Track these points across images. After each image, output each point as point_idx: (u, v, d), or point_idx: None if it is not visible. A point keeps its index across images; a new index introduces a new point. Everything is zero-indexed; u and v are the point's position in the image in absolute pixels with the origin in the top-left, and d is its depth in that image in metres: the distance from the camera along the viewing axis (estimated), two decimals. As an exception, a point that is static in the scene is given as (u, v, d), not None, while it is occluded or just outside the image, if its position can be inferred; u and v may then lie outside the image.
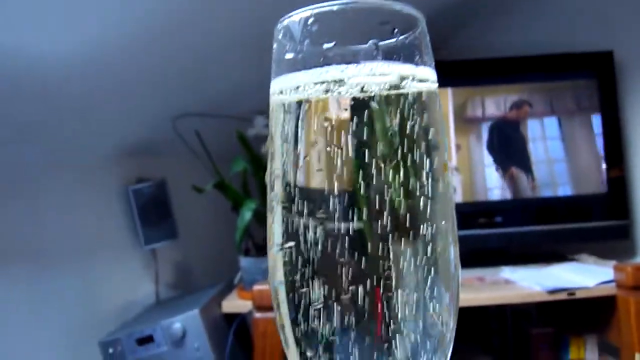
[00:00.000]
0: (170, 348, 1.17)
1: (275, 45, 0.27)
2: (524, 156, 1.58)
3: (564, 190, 1.59)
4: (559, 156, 1.59)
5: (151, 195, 1.43)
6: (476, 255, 1.55)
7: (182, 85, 1.32)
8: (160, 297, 1.51)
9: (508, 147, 1.58)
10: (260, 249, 1.32)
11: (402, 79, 0.24)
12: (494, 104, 1.60)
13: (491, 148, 1.58)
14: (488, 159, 1.57)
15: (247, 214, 1.22)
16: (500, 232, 1.53)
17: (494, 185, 1.57)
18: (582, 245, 1.63)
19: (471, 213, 1.54)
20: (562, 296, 1.26)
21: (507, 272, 1.41)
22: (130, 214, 1.43)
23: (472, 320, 1.51)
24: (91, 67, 1.07)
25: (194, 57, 1.23)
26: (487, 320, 1.56)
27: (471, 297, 1.28)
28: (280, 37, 0.26)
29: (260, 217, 1.29)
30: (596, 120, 1.59)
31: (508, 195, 1.56)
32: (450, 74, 1.56)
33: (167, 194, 1.48)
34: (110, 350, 1.17)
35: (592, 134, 1.59)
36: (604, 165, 1.58)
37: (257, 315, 1.22)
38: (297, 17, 0.25)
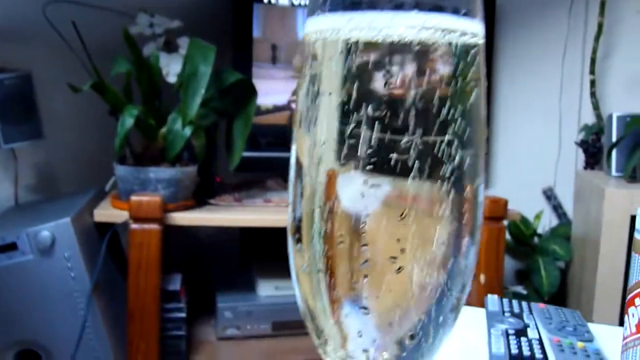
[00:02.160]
0: (37, 257, 1.10)
1: None
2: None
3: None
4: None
5: (13, 88, 1.27)
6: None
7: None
8: (19, 201, 1.39)
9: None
10: (139, 158, 1.26)
11: (450, 31, 0.23)
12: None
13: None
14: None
15: (128, 121, 1.15)
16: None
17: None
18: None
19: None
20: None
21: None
22: (-13, 108, 1.27)
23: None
24: None
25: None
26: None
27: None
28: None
29: (142, 125, 1.22)
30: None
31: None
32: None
33: (32, 89, 1.33)
34: (-35, 257, 1.07)
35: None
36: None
37: (134, 226, 1.18)
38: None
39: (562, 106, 1.79)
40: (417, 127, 0.23)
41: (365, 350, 0.25)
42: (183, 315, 1.30)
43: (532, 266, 1.64)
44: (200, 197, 1.34)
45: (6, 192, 1.36)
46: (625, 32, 1.75)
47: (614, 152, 1.47)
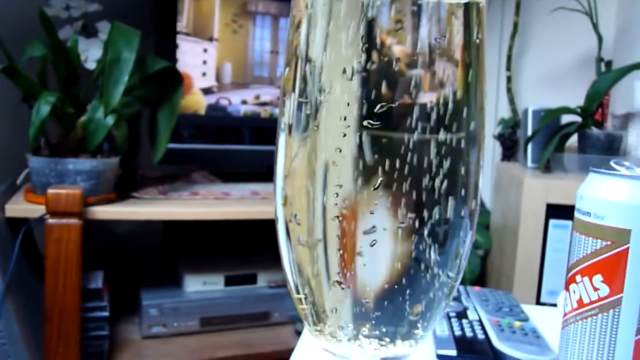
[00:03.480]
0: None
1: None
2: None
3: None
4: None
5: None
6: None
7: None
8: None
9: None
10: (56, 149, 1.18)
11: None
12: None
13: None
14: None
15: (44, 108, 1.07)
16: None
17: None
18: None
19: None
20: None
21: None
22: None
23: (271, 232, 1.58)
24: None
25: None
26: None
27: (271, 209, 1.33)
28: None
29: (59, 114, 1.14)
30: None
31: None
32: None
33: None
34: None
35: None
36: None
37: (52, 221, 1.11)
38: None
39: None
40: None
41: (341, 327, 0.24)
42: (105, 314, 1.24)
43: (454, 255, 1.70)
44: (122, 190, 1.28)
45: None
46: (538, 31, 1.85)
47: (529, 145, 1.55)
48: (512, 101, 1.82)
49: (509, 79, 1.81)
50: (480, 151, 0.25)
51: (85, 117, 1.16)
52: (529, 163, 1.57)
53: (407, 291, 0.24)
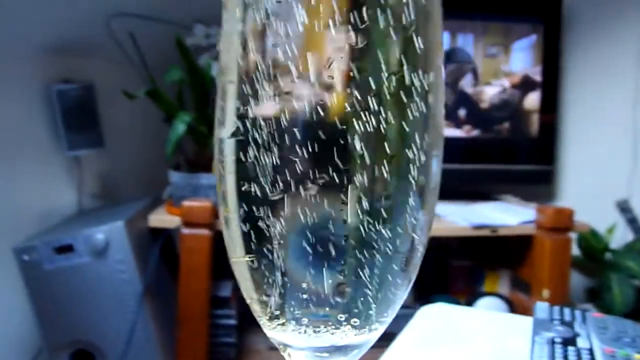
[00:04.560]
0: (92, 259, 1.13)
1: None
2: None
3: (496, 131, 1.62)
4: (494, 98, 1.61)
5: (77, 99, 1.33)
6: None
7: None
8: (83, 207, 1.45)
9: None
10: (192, 165, 1.28)
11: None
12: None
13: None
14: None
15: (180, 127, 1.17)
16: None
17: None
18: (508, 186, 1.68)
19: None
20: (485, 232, 1.31)
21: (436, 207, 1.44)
22: (54, 117, 1.33)
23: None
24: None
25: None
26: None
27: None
28: None
29: (194, 132, 1.24)
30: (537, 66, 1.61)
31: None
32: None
33: (94, 99, 1.38)
34: (25, 257, 1.11)
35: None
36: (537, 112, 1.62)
37: (185, 231, 1.19)
38: None
39: (637, 115, 1.67)
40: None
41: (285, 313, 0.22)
42: (233, 322, 1.30)
43: (603, 283, 1.52)
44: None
45: (70, 198, 1.42)
46: None
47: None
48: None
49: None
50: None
51: (218, 135, 1.24)
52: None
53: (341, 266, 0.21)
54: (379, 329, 0.23)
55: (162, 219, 1.27)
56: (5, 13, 1.12)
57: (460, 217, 1.34)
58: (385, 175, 0.21)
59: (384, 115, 0.20)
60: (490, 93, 1.59)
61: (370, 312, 0.22)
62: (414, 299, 1.40)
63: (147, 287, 1.16)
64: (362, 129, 0.20)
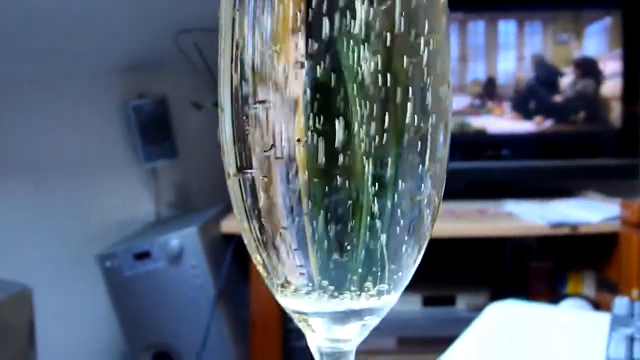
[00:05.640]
0: (167, 264, 1.17)
1: None
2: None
3: (571, 122, 1.54)
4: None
5: (152, 112, 1.40)
6: (481, 187, 1.53)
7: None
8: (160, 216, 1.51)
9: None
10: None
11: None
12: (511, 31, 1.52)
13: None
14: (500, 89, 1.52)
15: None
16: (506, 165, 1.50)
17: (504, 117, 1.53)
18: (589, 182, 1.60)
19: (478, 145, 1.51)
20: (565, 231, 1.25)
21: (511, 205, 1.39)
22: (131, 131, 1.40)
23: (471, 252, 1.51)
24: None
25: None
26: (486, 252, 1.55)
27: (472, 228, 1.27)
28: None
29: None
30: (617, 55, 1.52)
31: (516, 128, 1.52)
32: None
33: (168, 111, 1.44)
34: (108, 264, 1.17)
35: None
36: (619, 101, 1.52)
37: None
38: None
39: None
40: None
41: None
42: (306, 326, 1.30)
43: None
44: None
45: (148, 208, 1.48)
46: None
47: None
48: None
49: None
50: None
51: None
52: None
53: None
54: (392, 294, 0.23)
55: (234, 224, 1.30)
56: (85, 37, 1.20)
57: (537, 216, 1.28)
58: (386, 138, 0.20)
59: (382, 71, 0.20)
60: (562, 81, 1.52)
61: (381, 276, 0.22)
62: (490, 302, 1.35)
63: (220, 292, 1.19)
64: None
